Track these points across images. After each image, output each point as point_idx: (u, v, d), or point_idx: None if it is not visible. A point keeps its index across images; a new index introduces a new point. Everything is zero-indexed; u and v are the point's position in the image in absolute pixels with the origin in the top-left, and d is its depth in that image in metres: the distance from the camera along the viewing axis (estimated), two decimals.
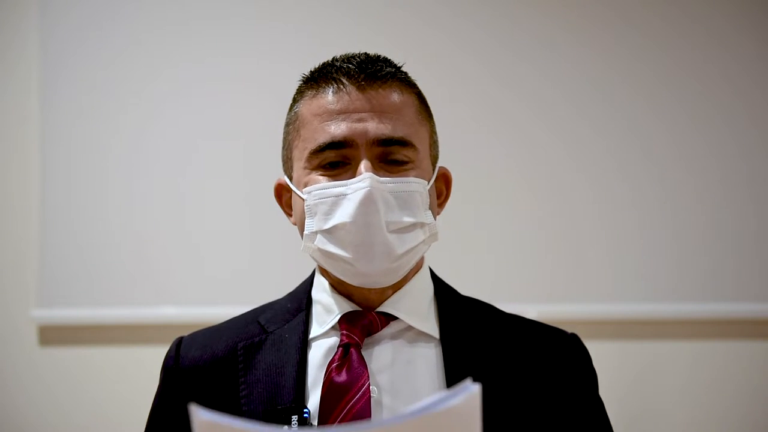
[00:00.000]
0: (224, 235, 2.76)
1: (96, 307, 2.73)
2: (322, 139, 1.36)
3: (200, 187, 2.78)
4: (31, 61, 2.80)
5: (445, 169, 1.47)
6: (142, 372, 2.65)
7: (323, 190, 1.35)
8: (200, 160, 2.79)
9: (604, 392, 1.48)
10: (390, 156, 1.37)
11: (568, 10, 2.84)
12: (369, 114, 1.37)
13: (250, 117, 2.78)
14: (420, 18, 2.81)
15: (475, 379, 1.29)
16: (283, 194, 1.46)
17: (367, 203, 1.32)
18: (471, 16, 2.82)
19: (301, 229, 1.40)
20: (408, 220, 1.35)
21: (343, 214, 1.33)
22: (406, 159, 1.38)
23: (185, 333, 1.50)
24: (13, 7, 2.82)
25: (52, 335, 2.76)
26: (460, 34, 2.81)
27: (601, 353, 1.51)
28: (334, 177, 1.36)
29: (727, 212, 2.79)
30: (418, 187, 1.37)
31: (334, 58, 1.43)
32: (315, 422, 1.32)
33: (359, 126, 1.36)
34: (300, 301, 1.46)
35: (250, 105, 2.78)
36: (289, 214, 1.46)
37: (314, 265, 1.48)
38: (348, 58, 1.41)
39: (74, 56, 2.78)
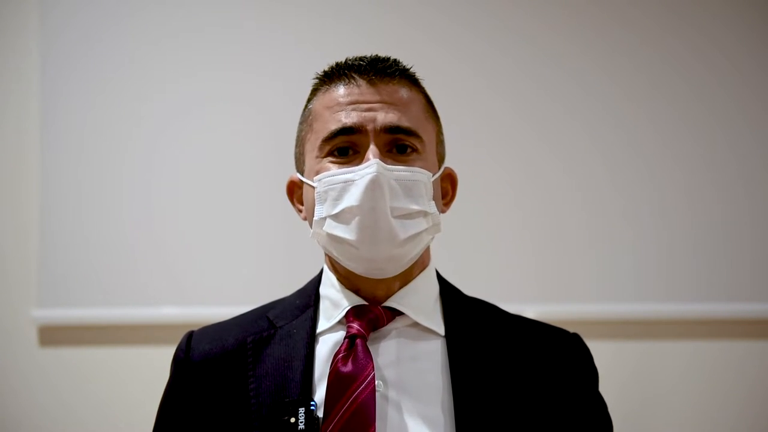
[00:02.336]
0: (226, 234, 2.76)
1: (96, 307, 2.73)
2: (333, 126, 1.42)
3: (202, 187, 2.78)
4: (32, 62, 2.80)
5: (451, 169, 1.53)
6: (143, 372, 2.67)
7: (332, 177, 1.40)
8: (202, 158, 2.79)
9: (607, 392, 1.50)
10: (397, 143, 1.42)
11: (558, 11, 2.84)
12: (378, 104, 1.43)
13: (254, 118, 2.79)
14: (412, 23, 2.82)
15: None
16: (294, 191, 1.52)
17: (373, 187, 1.36)
18: (461, 20, 2.83)
19: (311, 220, 1.44)
20: (412, 207, 1.39)
21: (351, 198, 1.37)
22: (412, 148, 1.43)
23: (190, 330, 1.51)
24: (13, 17, 2.83)
25: (52, 335, 2.76)
26: (450, 38, 2.82)
27: (593, 353, 1.53)
28: (343, 164, 1.41)
29: (720, 212, 2.80)
30: (423, 177, 1.41)
31: (346, 57, 1.49)
32: (321, 413, 1.35)
33: (368, 114, 1.42)
34: (308, 298, 1.50)
35: (256, 107, 2.78)
36: (300, 210, 1.50)
37: (320, 265, 1.52)
38: (359, 57, 1.48)
39: (75, 54, 2.79)
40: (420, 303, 1.46)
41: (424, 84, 1.52)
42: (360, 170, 1.38)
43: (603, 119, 2.82)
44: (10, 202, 2.81)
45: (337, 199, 1.39)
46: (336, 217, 1.39)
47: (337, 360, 1.38)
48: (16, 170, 2.81)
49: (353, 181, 1.38)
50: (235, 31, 2.82)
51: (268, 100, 2.77)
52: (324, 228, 1.40)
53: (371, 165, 1.37)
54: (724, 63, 2.83)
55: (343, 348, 1.40)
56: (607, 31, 2.84)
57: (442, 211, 1.49)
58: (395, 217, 1.38)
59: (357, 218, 1.37)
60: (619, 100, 2.83)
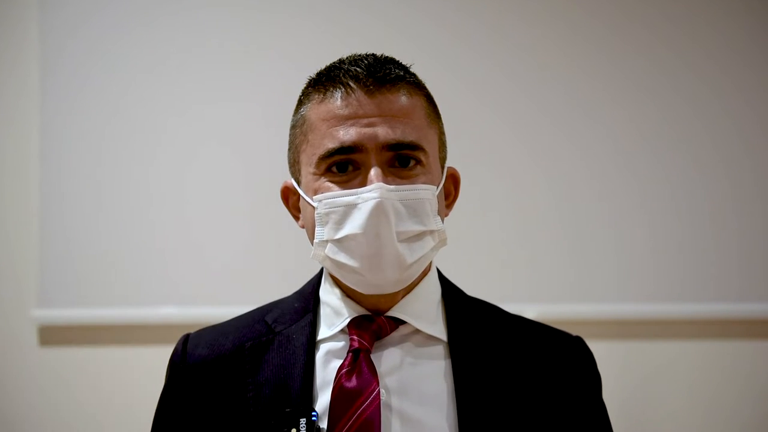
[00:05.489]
0: (225, 234, 2.76)
1: (96, 308, 2.73)
2: (331, 144, 1.34)
3: (200, 187, 2.77)
4: (30, 59, 2.79)
5: (454, 169, 1.45)
6: (143, 372, 2.66)
7: (333, 199, 1.33)
8: (201, 159, 2.78)
9: (608, 393, 1.48)
10: (400, 160, 1.35)
11: (574, 8, 2.84)
12: (378, 119, 1.34)
13: (251, 118, 2.77)
14: (426, 16, 2.80)
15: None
16: (290, 197, 1.44)
17: (378, 214, 1.30)
18: (477, 14, 2.82)
19: (311, 234, 1.38)
20: (418, 228, 1.34)
21: (354, 225, 1.32)
22: (415, 162, 1.36)
23: (186, 333, 1.48)
24: (13, 17, 2.82)
25: (52, 335, 2.76)
26: (466, 32, 2.81)
27: (605, 353, 1.51)
28: (343, 183, 1.34)
29: (733, 212, 2.79)
30: (428, 194, 1.35)
31: (340, 60, 1.40)
32: (324, 425, 1.32)
33: (369, 131, 1.34)
34: (307, 301, 1.45)
35: (256, 107, 2.77)
36: (297, 217, 1.44)
37: (318, 265, 1.46)
38: (355, 61, 1.38)
39: (74, 53, 2.78)
40: (422, 310, 1.41)
41: (431, 79, 1.44)
42: (363, 194, 1.31)
43: (618, 118, 2.82)
44: (11, 202, 2.81)
45: (339, 223, 1.33)
46: (339, 243, 1.33)
47: (341, 375, 1.34)
48: (16, 170, 2.81)
49: (356, 205, 1.31)
50: (235, 29, 2.81)
51: (268, 100, 2.76)
52: (326, 251, 1.35)
53: (374, 189, 1.30)
54: (740, 63, 2.83)
55: (347, 362, 1.36)
56: (625, 31, 2.84)
57: (446, 214, 1.43)
58: (401, 242, 1.32)
59: (362, 246, 1.32)
60: (635, 99, 2.82)
